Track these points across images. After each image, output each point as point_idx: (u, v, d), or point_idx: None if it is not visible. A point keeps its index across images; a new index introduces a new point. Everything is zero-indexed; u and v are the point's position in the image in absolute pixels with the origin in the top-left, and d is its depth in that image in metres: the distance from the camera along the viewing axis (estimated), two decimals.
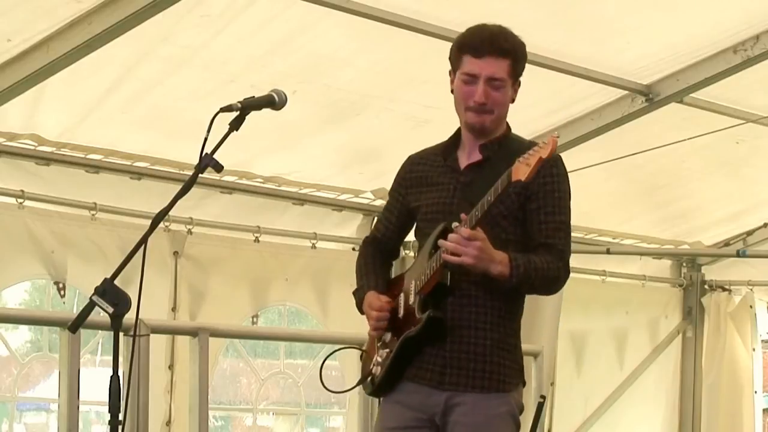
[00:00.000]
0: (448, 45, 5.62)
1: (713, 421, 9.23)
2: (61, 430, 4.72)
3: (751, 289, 9.28)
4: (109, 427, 3.41)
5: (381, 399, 4.06)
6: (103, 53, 5.14)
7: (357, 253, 4.27)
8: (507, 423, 3.88)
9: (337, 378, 6.46)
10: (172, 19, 5.11)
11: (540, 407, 6.31)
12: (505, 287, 3.79)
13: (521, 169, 3.56)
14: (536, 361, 7.01)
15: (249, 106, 3.61)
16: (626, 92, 6.63)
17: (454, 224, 3.74)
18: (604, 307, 8.69)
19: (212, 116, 3.47)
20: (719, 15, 6.01)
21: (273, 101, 3.68)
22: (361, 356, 4.16)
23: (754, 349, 9.34)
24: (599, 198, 7.77)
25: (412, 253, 7.14)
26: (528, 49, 5.86)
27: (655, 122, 6.85)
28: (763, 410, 9.58)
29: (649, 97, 6.60)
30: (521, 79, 4.00)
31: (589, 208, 7.90)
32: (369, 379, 4.03)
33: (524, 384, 3.99)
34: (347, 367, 6.38)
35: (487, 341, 3.85)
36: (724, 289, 9.32)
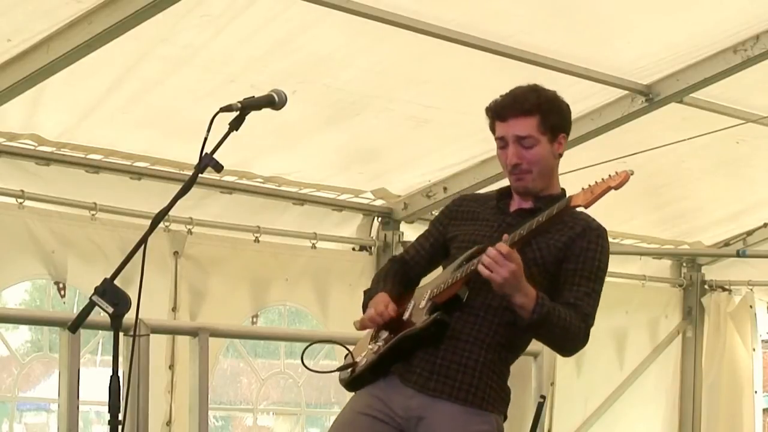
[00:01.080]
0: (448, 45, 5.70)
1: (713, 421, 9.23)
2: (61, 430, 4.72)
3: (751, 289, 9.28)
4: (109, 427, 3.41)
5: (353, 397, 3.99)
6: (103, 53, 5.14)
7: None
8: None
9: (334, 376, 6.45)
10: (172, 19, 5.11)
11: (540, 407, 6.30)
12: (523, 322, 3.72)
13: (583, 196, 3.61)
14: (536, 361, 7.00)
15: (249, 106, 3.61)
16: (626, 92, 6.63)
17: (504, 238, 3.68)
18: (604, 307, 8.60)
19: (212, 116, 3.46)
20: (719, 15, 6.01)
21: (273, 101, 3.67)
22: (345, 357, 4.10)
23: (754, 349, 9.34)
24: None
25: None
26: (528, 49, 5.94)
27: (655, 122, 6.85)
28: (763, 410, 9.59)
29: (649, 97, 6.60)
30: (566, 134, 3.96)
31: (589, 208, 7.89)
32: (350, 369, 3.97)
33: (505, 418, 3.92)
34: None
35: (480, 359, 3.81)
36: (724, 289, 9.33)
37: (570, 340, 3.83)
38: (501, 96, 3.95)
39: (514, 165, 3.87)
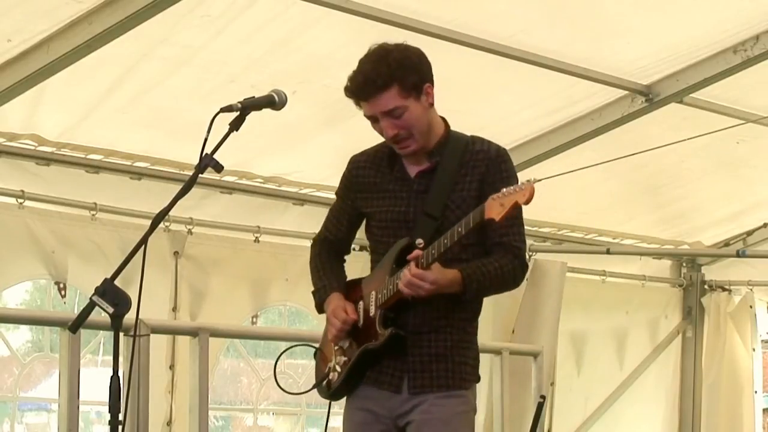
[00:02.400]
0: (449, 45, 5.70)
1: (713, 421, 9.23)
2: (61, 430, 4.72)
3: (751, 289, 9.28)
4: (109, 427, 3.41)
5: (346, 403, 4.08)
6: (103, 53, 5.14)
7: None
8: (466, 422, 3.95)
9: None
10: (172, 19, 5.11)
11: (540, 407, 6.32)
12: (461, 299, 3.86)
13: (495, 209, 3.63)
14: (536, 361, 7.02)
15: (249, 106, 3.62)
16: (626, 92, 6.63)
17: (418, 241, 3.82)
18: (604, 307, 8.69)
19: (212, 116, 3.47)
20: (719, 15, 6.01)
21: (273, 101, 3.68)
22: (315, 354, 4.19)
23: (754, 349, 9.34)
24: (599, 198, 7.77)
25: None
26: (528, 49, 5.94)
27: (654, 122, 6.85)
28: (763, 410, 9.59)
29: (649, 97, 6.60)
30: (430, 83, 3.94)
31: (589, 208, 7.90)
32: (325, 383, 4.08)
33: (479, 379, 4.03)
34: None
35: (448, 342, 3.92)
36: (724, 289, 9.33)
37: (510, 282, 3.93)
38: (353, 72, 3.90)
39: (393, 136, 3.88)
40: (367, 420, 3.97)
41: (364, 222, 4.14)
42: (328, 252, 4.21)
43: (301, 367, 7.46)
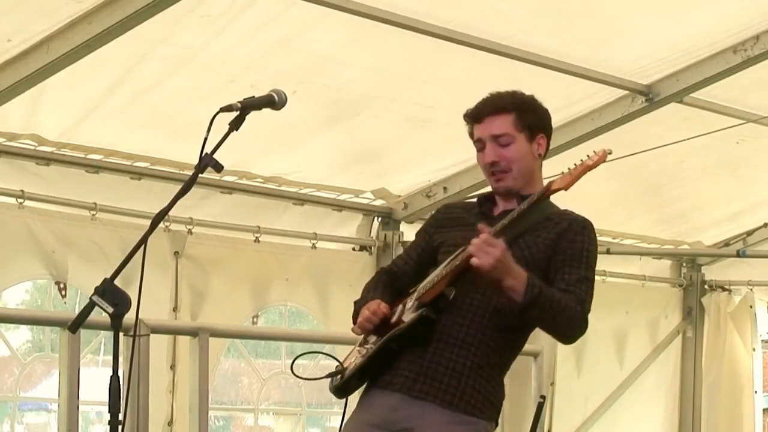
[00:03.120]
0: (449, 45, 5.71)
1: (713, 421, 9.23)
2: (61, 430, 4.72)
3: (751, 289, 9.29)
4: (109, 427, 3.42)
5: (354, 409, 3.95)
6: (103, 53, 5.14)
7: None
8: None
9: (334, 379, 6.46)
10: (172, 19, 5.11)
11: (540, 407, 6.30)
12: (516, 305, 3.66)
13: (562, 180, 3.59)
14: (536, 361, 7.01)
15: (249, 106, 3.61)
16: (626, 92, 6.64)
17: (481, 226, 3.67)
18: (604, 307, 8.66)
19: (212, 116, 3.46)
20: (719, 15, 6.02)
21: (273, 101, 3.67)
22: (337, 368, 4.03)
23: (754, 349, 9.34)
24: (599, 198, 7.77)
25: None
26: (528, 49, 5.94)
27: (655, 122, 6.85)
28: (763, 410, 9.59)
29: (649, 97, 6.60)
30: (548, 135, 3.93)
31: (589, 208, 7.86)
32: (339, 376, 3.94)
33: (496, 425, 3.86)
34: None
35: (468, 362, 3.76)
36: (724, 289, 9.33)
37: (567, 323, 3.74)
38: (478, 103, 3.93)
39: (492, 163, 3.83)
40: (366, 425, 3.84)
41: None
42: (385, 281, 4.02)
43: (302, 367, 7.47)
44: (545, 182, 3.65)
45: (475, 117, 3.89)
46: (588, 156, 3.60)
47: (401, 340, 3.78)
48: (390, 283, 4.01)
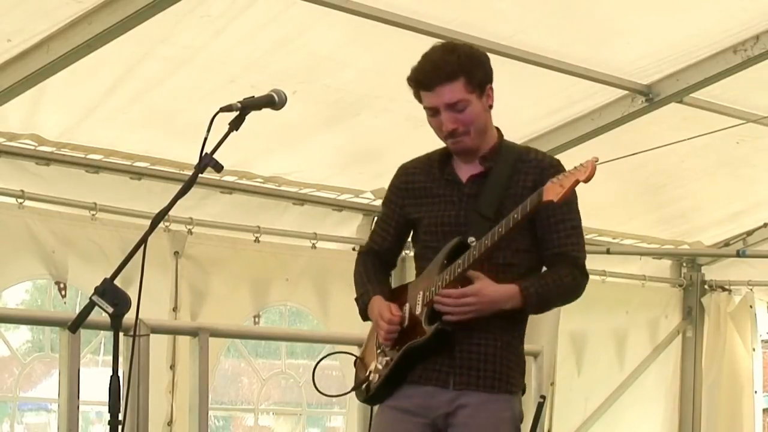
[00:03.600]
0: None
1: (713, 421, 9.23)
2: (61, 430, 4.72)
3: (751, 289, 9.28)
4: (109, 427, 3.42)
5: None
6: (103, 53, 5.14)
7: (356, 254, 4.23)
8: (512, 428, 3.86)
9: (337, 378, 6.45)
10: (172, 19, 5.11)
11: (540, 407, 6.31)
12: (523, 314, 3.83)
13: (554, 190, 3.58)
14: (536, 361, 7.01)
15: (249, 106, 3.61)
16: (626, 92, 6.64)
17: (470, 239, 3.74)
18: (604, 307, 8.69)
19: (212, 116, 3.47)
20: (719, 15, 6.01)
21: (273, 101, 3.67)
22: (355, 362, 4.11)
23: (754, 349, 9.34)
24: (599, 198, 7.77)
25: (412, 253, 7.15)
26: (528, 49, 5.94)
27: (655, 122, 6.85)
28: (763, 410, 9.58)
29: (649, 97, 6.60)
30: (492, 84, 3.92)
31: (589, 208, 7.82)
32: (364, 386, 3.98)
33: (524, 391, 3.96)
34: (347, 366, 6.38)
35: (498, 342, 3.83)
36: (724, 289, 9.33)
37: (571, 293, 3.89)
38: (419, 62, 3.91)
39: (452, 131, 3.84)
40: (396, 417, 3.87)
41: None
42: (372, 263, 4.10)
43: (302, 367, 7.47)
44: (545, 191, 3.60)
45: (424, 84, 3.86)
46: (576, 168, 3.60)
47: (421, 351, 3.83)
48: (377, 264, 4.09)
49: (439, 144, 4.07)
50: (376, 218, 4.07)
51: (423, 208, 3.95)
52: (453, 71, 3.82)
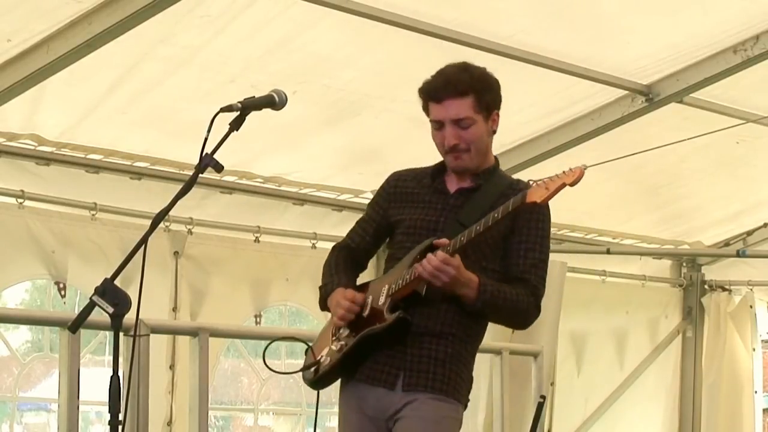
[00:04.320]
0: (449, 45, 5.70)
1: (713, 421, 9.23)
2: (61, 430, 4.72)
3: (751, 289, 9.29)
4: (109, 427, 3.41)
5: (339, 403, 4.03)
6: (103, 53, 5.14)
7: (328, 257, 4.20)
8: (453, 426, 3.92)
9: None
10: (172, 19, 5.11)
11: (540, 407, 6.31)
12: (469, 308, 3.84)
13: (538, 192, 3.63)
14: (536, 361, 7.01)
15: (249, 106, 3.61)
16: (626, 92, 6.64)
17: (443, 240, 3.79)
18: (604, 307, 8.69)
19: (212, 116, 3.47)
20: (719, 15, 6.02)
21: (273, 101, 3.68)
22: (306, 351, 4.14)
23: (754, 349, 9.34)
24: (599, 198, 7.77)
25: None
26: (528, 49, 5.94)
27: (655, 122, 6.86)
28: (763, 410, 9.58)
29: (649, 97, 6.60)
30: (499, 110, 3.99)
31: (589, 208, 7.90)
32: (313, 368, 4.02)
33: (466, 407, 3.99)
34: None
35: (448, 350, 3.89)
36: (724, 289, 9.33)
37: (521, 314, 3.91)
38: (432, 76, 3.95)
39: (453, 146, 3.90)
40: (362, 423, 3.94)
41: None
42: (345, 257, 4.15)
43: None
44: (529, 192, 3.66)
45: (433, 97, 3.93)
46: (564, 171, 3.63)
47: (377, 339, 3.87)
48: (350, 259, 4.13)
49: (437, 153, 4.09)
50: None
51: (406, 210, 4.02)
52: (464, 89, 3.88)
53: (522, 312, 3.90)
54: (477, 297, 3.79)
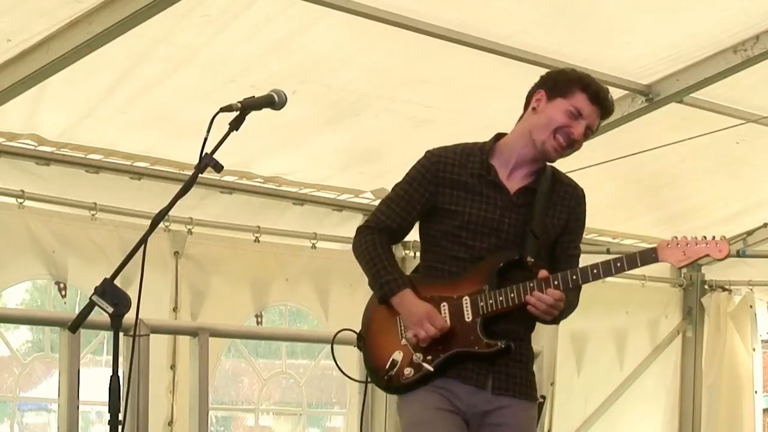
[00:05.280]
0: (448, 45, 5.70)
1: (713, 421, 9.22)
2: (61, 430, 4.72)
3: (751, 289, 9.28)
4: (109, 427, 3.42)
5: (416, 395, 4.01)
6: (103, 53, 5.14)
7: (361, 227, 4.11)
8: (535, 428, 4.20)
9: (338, 377, 6.46)
10: (172, 19, 5.11)
11: (540, 407, 6.30)
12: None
13: (675, 255, 4.13)
14: (536, 361, 6.98)
15: (249, 106, 3.61)
16: (626, 92, 6.63)
17: (530, 259, 3.95)
18: (604, 307, 8.68)
19: (212, 116, 3.47)
20: (719, 15, 6.01)
21: (273, 101, 3.68)
22: (359, 343, 4.12)
23: (754, 349, 9.34)
24: (599, 198, 7.73)
25: (412, 254, 7.15)
26: (528, 49, 5.94)
27: (655, 122, 6.85)
28: (763, 410, 9.58)
29: (649, 97, 6.60)
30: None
31: (589, 208, 7.86)
32: (387, 375, 4.01)
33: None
34: (345, 365, 6.38)
35: (529, 352, 4.10)
36: (724, 289, 9.32)
37: (572, 311, 4.13)
38: (591, 77, 4.12)
39: (574, 141, 4.04)
40: (443, 402, 3.95)
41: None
42: (387, 242, 4.09)
43: (302, 367, 7.48)
44: (661, 251, 4.23)
45: (593, 96, 4.05)
46: (707, 241, 4.26)
47: (473, 357, 3.97)
48: (390, 248, 4.09)
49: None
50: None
51: (463, 201, 4.01)
52: (608, 112, 4.15)
53: (573, 310, 4.12)
54: (557, 318, 4.02)
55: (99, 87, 5.57)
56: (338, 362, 4.23)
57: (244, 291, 6.76)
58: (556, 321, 4.06)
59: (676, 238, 3.84)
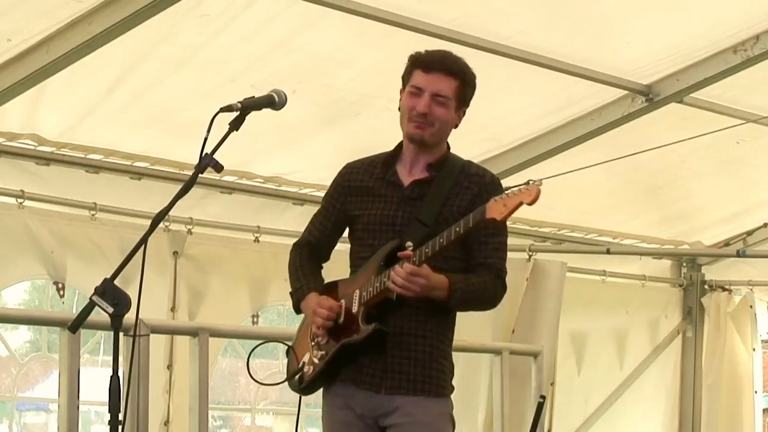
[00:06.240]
0: (449, 45, 5.68)
1: (713, 421, 9.22)
2: (61, 430, 4.72)
3: (751, 289, 9.28)
4: (109, 427, 3.41)
5: (324, 402, 4.12)
6: (103, 53, 5.14)
7: (290, 256, 4.28)
8: (447, 423, 4.04)
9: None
10: (172, 19, 5.11)
11: (540, 407, 6.31)
12: (444, 306, 3.96)
13: (497, 208, 3.72)
14: (536, 361, 7.01)
15: (249, 106, 3.62)
16: (626, 92, 6.63)
17: (408, 244, 3.90)
18: (604, 307, 8.69)
19: (212, 116, 3.47)
20: (719, 15, 6.01)
21: (273, 101, 3.68)
22: (287, 352, 4.23)
23: (754, 349, 9.33)
24: (599, 198, 7.77)
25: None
26: (528, 49, 5.95)
27: (655, 122, 6.85)
28: (763, 410, 9.58)
29: (649, 97, 6.60)
30: (468, 109, 4.10)
31: (589, 208, 7.90)
32: (297, 376, 4.10)
33: (452, 390, 4.10)
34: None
35: (427, 348, 3.99)
36: (724, 289, 9.32)
37: (489, 301, 4.05)
38: (426, 51, 4.07)
39: (423, 114, 3.97)
40: (349, 419, 4.02)
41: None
42: (308, 256, 4.27)
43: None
44: (489, 208, 3.75)
45: (424, 66, 4.01)
46: (521, 189, 3.71)
47: (356, 349, 3.97)
48: (313, 257, 4.26)
49: None
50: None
51: (363, 205, 4.11)
52: (456, 71, 4.01)
53: (490, 298, 4.03)
54: (449, 297, 3.90)
55: (99, 87, 5.57)
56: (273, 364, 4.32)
57: (243, 291, 6.76)
58: (462, 307, 3.99)
59: (507, 194, 3.75)
